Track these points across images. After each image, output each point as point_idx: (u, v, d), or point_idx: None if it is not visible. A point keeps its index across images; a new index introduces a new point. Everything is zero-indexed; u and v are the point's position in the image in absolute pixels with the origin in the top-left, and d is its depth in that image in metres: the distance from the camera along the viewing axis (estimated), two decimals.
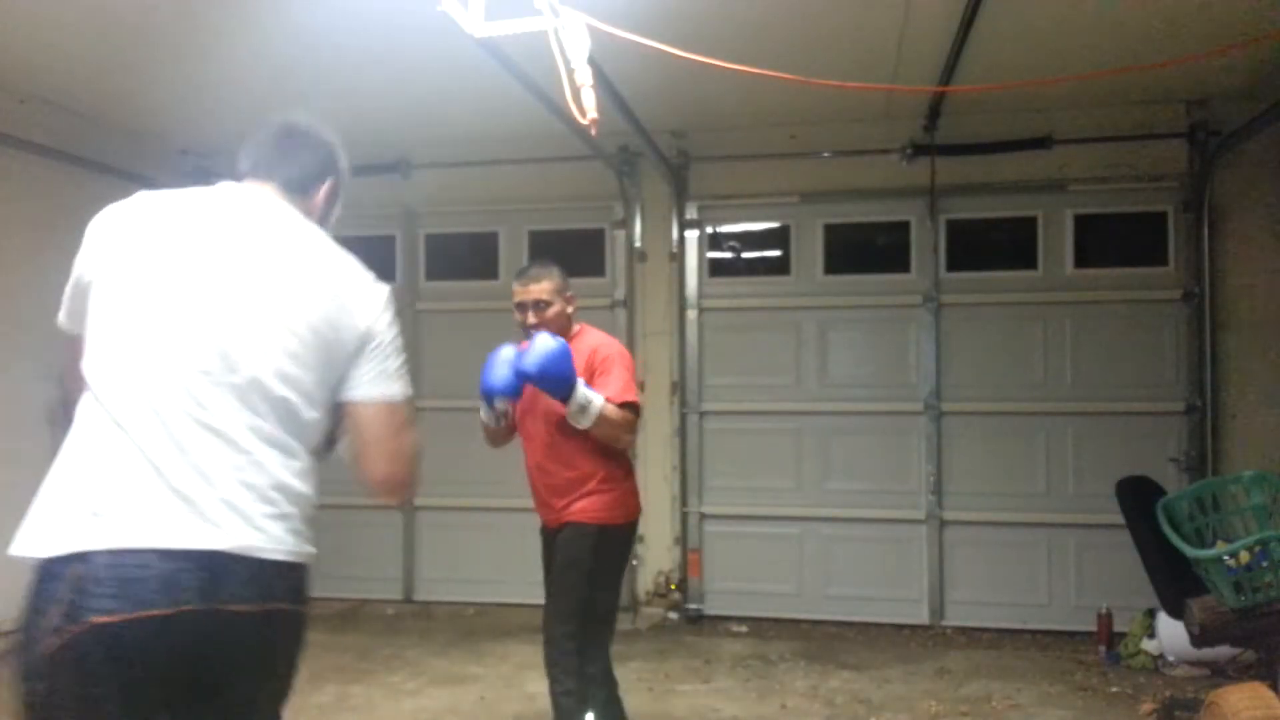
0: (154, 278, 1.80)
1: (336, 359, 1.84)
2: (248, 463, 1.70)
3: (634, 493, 3.54)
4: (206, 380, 1.71)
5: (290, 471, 1.76)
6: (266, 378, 1.74)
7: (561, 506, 3.45)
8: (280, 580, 1.72)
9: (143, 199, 1.97)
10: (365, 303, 1.91)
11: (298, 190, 2.00)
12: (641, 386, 6.43)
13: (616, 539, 3.45)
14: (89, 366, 1.74)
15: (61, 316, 1.92)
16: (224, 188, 1.92)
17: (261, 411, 1.73)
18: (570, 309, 3.54)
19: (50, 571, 1.69)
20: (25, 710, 1.64)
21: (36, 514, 1.74)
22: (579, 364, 3.33)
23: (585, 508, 3.40)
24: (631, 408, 3.38)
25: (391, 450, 1.89)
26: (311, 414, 1.81)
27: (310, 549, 1.79)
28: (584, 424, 3.25)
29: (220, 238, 1.83)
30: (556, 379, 3.23)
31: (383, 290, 1.96)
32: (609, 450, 3.42)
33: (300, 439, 1.79)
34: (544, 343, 3.25)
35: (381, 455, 1.88)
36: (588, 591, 3.39)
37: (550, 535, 3.56)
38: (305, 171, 2.03)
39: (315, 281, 1.86)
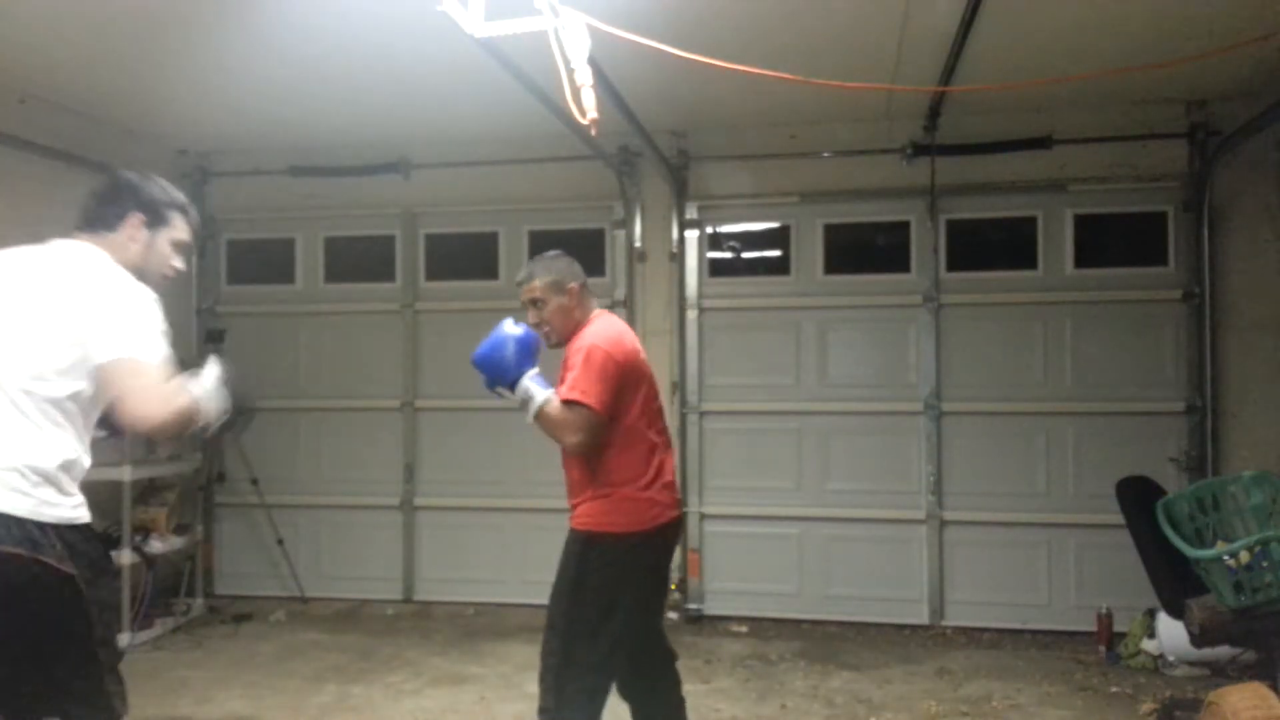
0: None
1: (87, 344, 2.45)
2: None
3: (644, 501, 3.22)
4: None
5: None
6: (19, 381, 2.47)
7: (571, 510, 3.35)
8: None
9: None
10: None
11: (103, 229, 2.60)
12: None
13: (612, 550, 3.20)
14: None
15: None
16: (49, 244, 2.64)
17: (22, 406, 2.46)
18: (569, 301, 3.30)
19: None
20: None
21: None
22: (566, 358, 3.20)
23: (578, 514, 3.29)
24: (575, 407, 3.07)
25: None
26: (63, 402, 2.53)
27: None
28: (527, 420, 3.15)
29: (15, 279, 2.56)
30: (492, 368, 3.18)
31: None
32: (607, 451, 3.19)
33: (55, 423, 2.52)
34: (495, 331, 3.22)
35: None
36: (569, 605, 3.26)
37: None
38: (104, 215, 2.61)
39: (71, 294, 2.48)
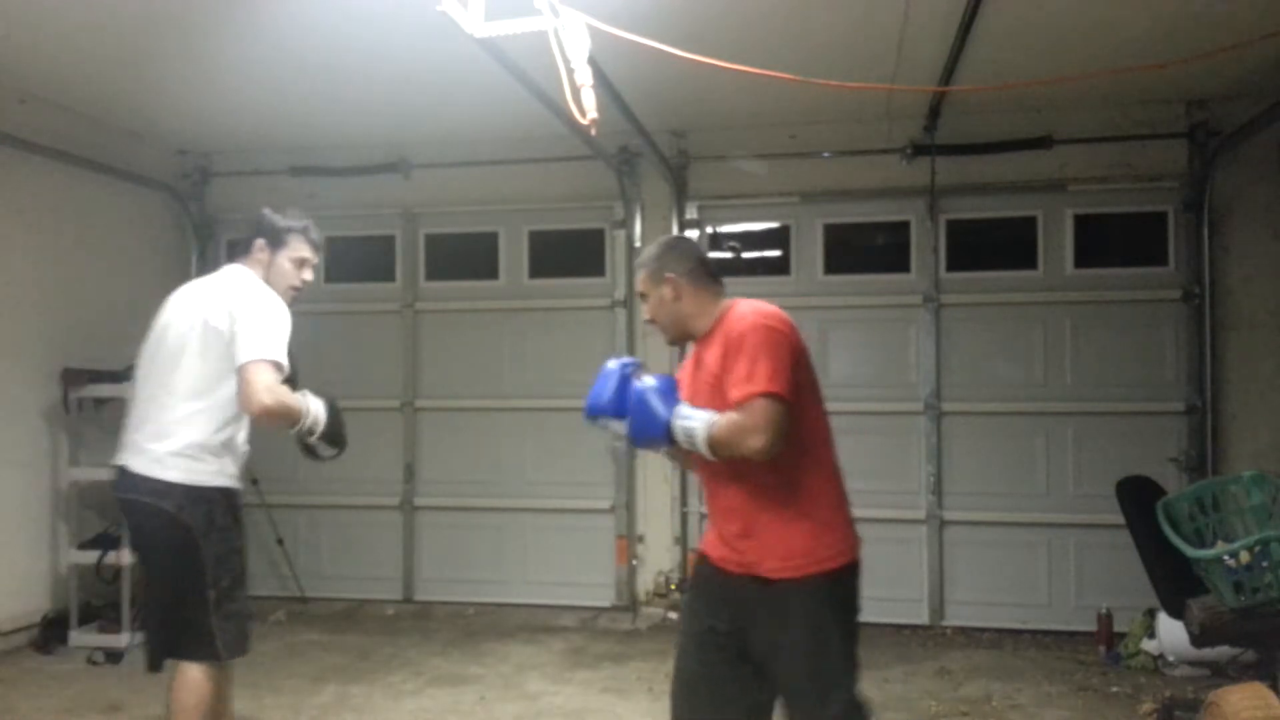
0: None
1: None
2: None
3: (846, 525, 2.78)
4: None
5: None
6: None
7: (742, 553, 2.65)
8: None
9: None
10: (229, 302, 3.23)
11: (243, 255, 3.49)
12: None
13: (845, 587, 2.80)
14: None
15: None
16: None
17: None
18: (669, 293, 2.73)
19: None
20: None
21: None
22: (714, 360, 2.61)
23: (781, 556, 2.62)
24: (751, 404, 2.44)
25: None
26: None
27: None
28: (709, 457, 2.52)
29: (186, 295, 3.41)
30: (643, 433, 2.60)
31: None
32: (781, 469, 2.55)
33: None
34: (632, 401, 2.62)
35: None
36: (844, 662, 2.83)
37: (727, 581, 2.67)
38: (245, 243, 3.51)
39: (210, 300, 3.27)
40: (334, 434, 3.27)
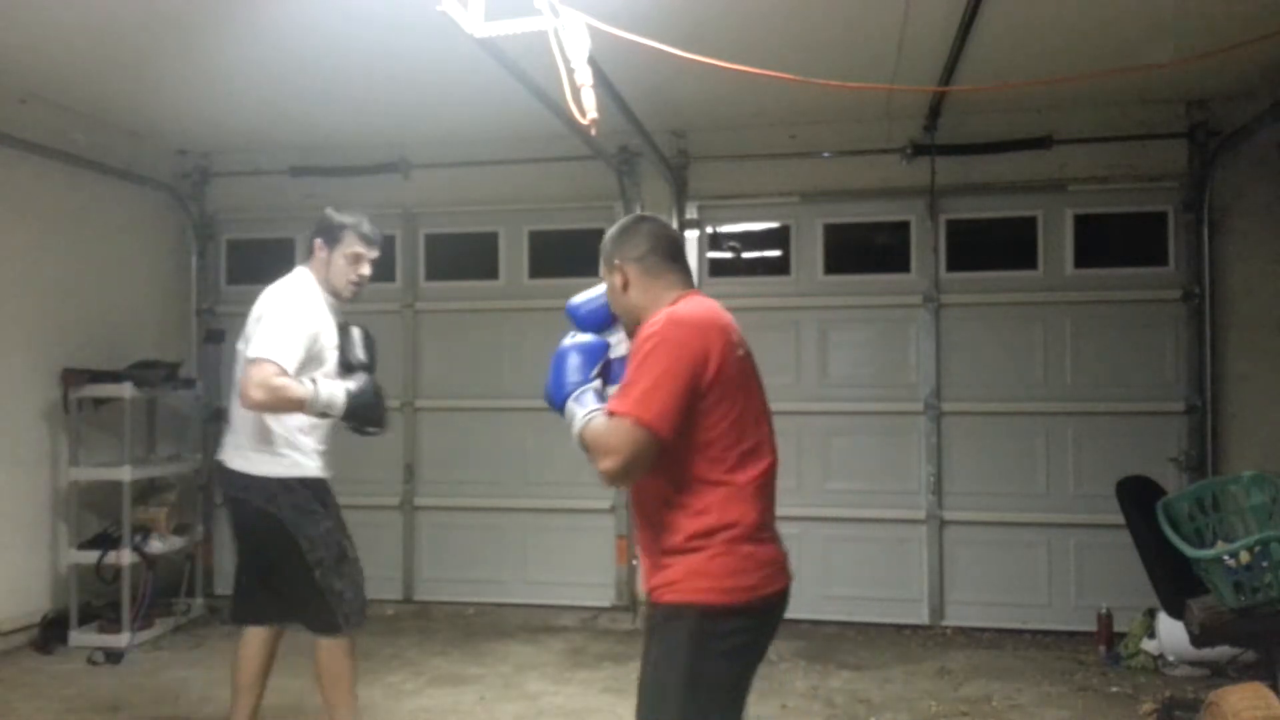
0: None
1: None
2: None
3: (731, 558, 2.25)
4: None
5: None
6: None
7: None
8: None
9: None
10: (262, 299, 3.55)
11: (306, 255, 3.71)
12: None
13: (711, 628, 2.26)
14: None
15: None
16: None
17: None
18: (618, 281, 2.48)
19: None
20: None
21: None
22: None
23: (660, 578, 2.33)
24: (623, 423, 2.21)
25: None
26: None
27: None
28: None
29: None
30: (550, 405, 2.48)
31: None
32: (679, 489, 2.28)
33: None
34: (555, 355, 2.50)
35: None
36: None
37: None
38: (308, 244, 3.71)
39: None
40: (360, 415, 3.50)
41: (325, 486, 3.64)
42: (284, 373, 3.31)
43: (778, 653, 5.53)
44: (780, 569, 2.37)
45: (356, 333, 3.70)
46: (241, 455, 3.53)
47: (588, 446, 2.31)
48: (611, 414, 2.25)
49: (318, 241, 3.64)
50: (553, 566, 6.49)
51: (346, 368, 3.58)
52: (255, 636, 3.71)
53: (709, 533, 2.25)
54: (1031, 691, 4.86)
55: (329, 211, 3.70)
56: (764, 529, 2.32)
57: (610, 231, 2.60)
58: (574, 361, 2.44)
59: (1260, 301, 5.74)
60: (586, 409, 2.35)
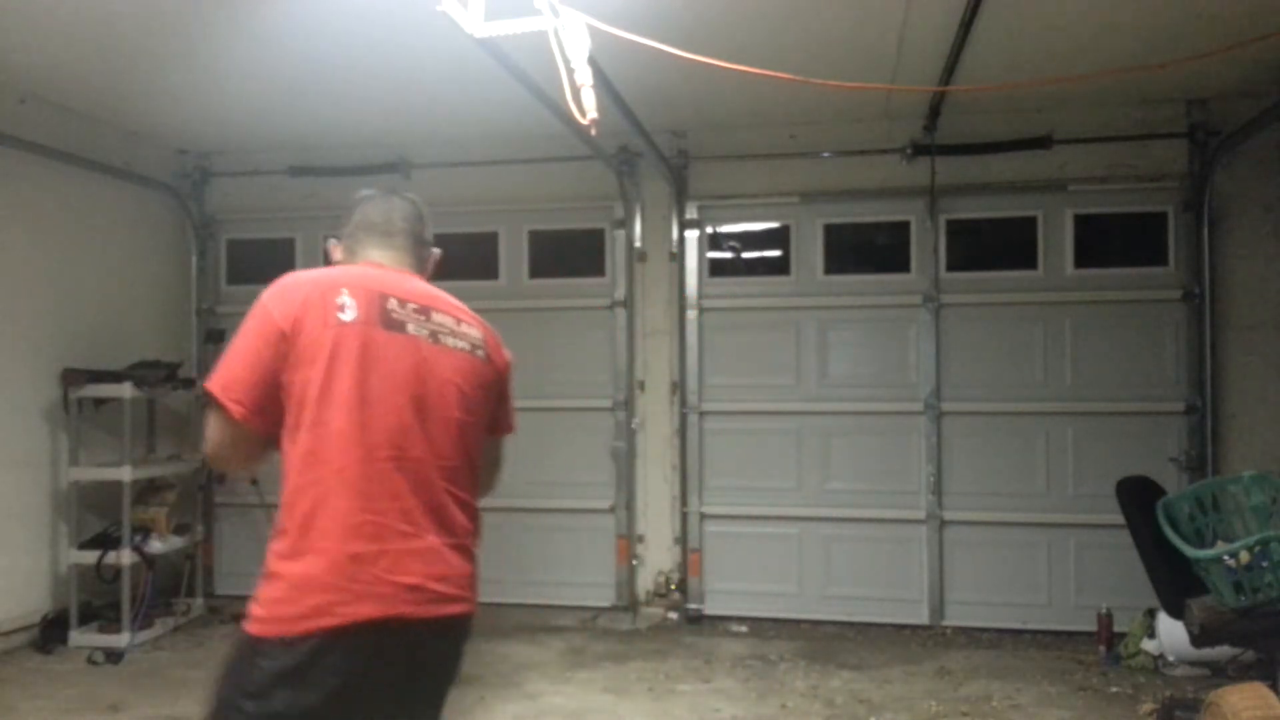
0: None
1: None
2: None
3: (290, 585, 1.87)
4: None
5: None
6: None
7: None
8: None
9: None
10: None
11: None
12: (642, 386, 6.47)
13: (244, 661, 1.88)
14: None
15: None
16: None
17: None
18: (327, 260, 2.36)
19: None
20: None
21: None
22: None
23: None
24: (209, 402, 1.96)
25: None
26: None
27: None
28: None
29: None
30: None
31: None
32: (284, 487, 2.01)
33: None
34: None
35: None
36: None
37: None
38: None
39: None
40: None
41: None
42: None
43: (778, 652, 5.54)
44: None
45: None
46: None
47: None
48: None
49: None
50: (553, 566, 6.49)
51: None
52: None
53: (295, 546, 1.96)
54: (1031, 691, 4.86)
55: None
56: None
57: None
58: None
59: (1260, 301, 5.74)
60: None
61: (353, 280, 2.05)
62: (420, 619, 1.93)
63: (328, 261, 2.35)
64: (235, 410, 1.92)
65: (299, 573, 1.87)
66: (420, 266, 2.27)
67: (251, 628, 1.87)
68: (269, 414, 1.94)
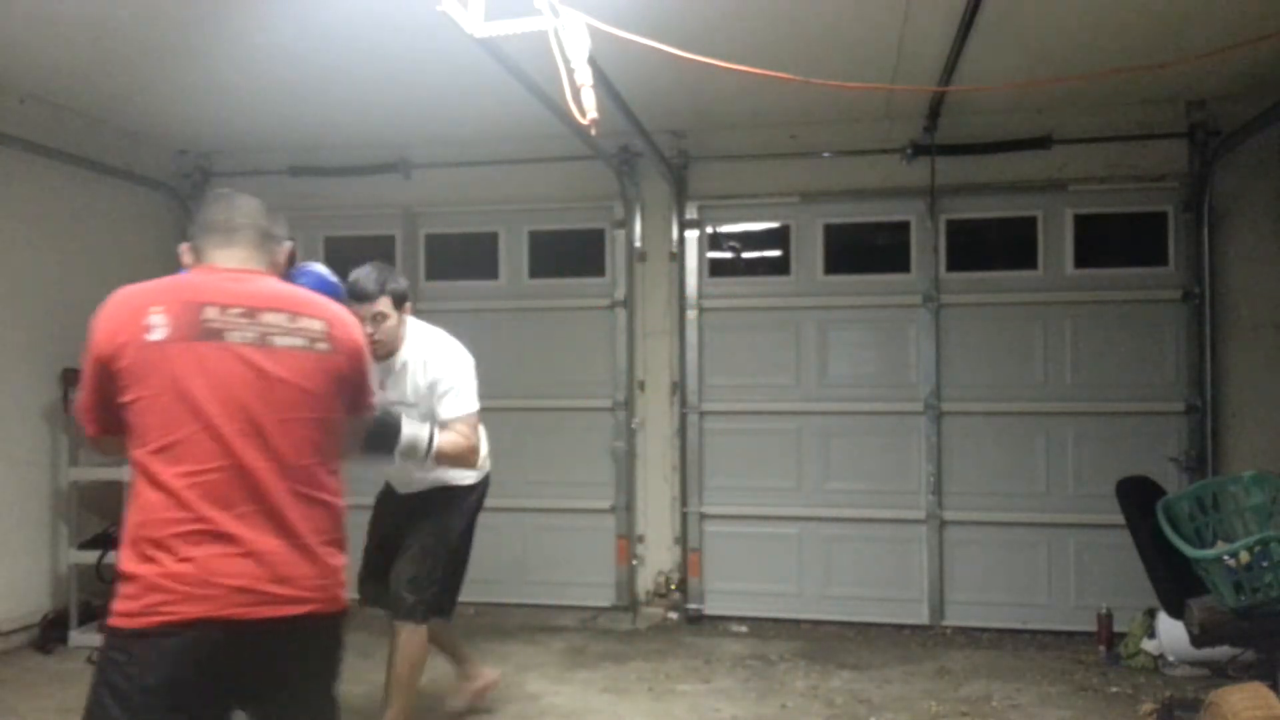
0: None
1: None
2: None
3: (134, 585, 2.01)
4: None
5: None
6: None
7: None
8: None
9: None
10: None
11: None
12: (642, 386, 6.47)
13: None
14: None
15: None
16: None
17: None
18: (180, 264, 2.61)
19: None
20: None
21: None
22: None
23: None
24: None
25: None
26: None
27: None
28: None
29: None
30: None
31: None
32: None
33: None
34: None
35: None
36: None
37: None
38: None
39: None
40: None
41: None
42: None
43: (778, 652, 5.54)
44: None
45: None
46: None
47: None
48: None
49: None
50: (553, 566, 6.49)
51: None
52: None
53: (133, 536, 2.08)
54: (1031, 691, 4.86)
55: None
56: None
57: None
58: None
59: (1260, 301, 5.74)
60: None
61: (168, 294, 2.12)
62: (252, 620, 2.01)
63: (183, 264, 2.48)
64: (91, 429, 2.16)
65: (140, 574, 1.99)
66: (268, 261, 2.33)
67: (110, 621, 2.03)
68: (123, 423, 2.08)
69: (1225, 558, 3.77)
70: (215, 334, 2.09)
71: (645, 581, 6.40)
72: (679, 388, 6.36)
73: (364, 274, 3.78)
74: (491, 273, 6.68)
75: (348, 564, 2.27)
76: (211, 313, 2.10)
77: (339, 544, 2.22)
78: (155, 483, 2.02)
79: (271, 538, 2.05)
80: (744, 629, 6.08)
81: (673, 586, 6.33)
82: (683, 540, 6.35)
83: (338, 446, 2.24)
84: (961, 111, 5.89)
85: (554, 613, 6.33)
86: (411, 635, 3.86)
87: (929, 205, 6.04)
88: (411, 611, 3.86)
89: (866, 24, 4.59)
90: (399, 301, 3.82)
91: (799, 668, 5.27)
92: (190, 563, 1.98)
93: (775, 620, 6.15)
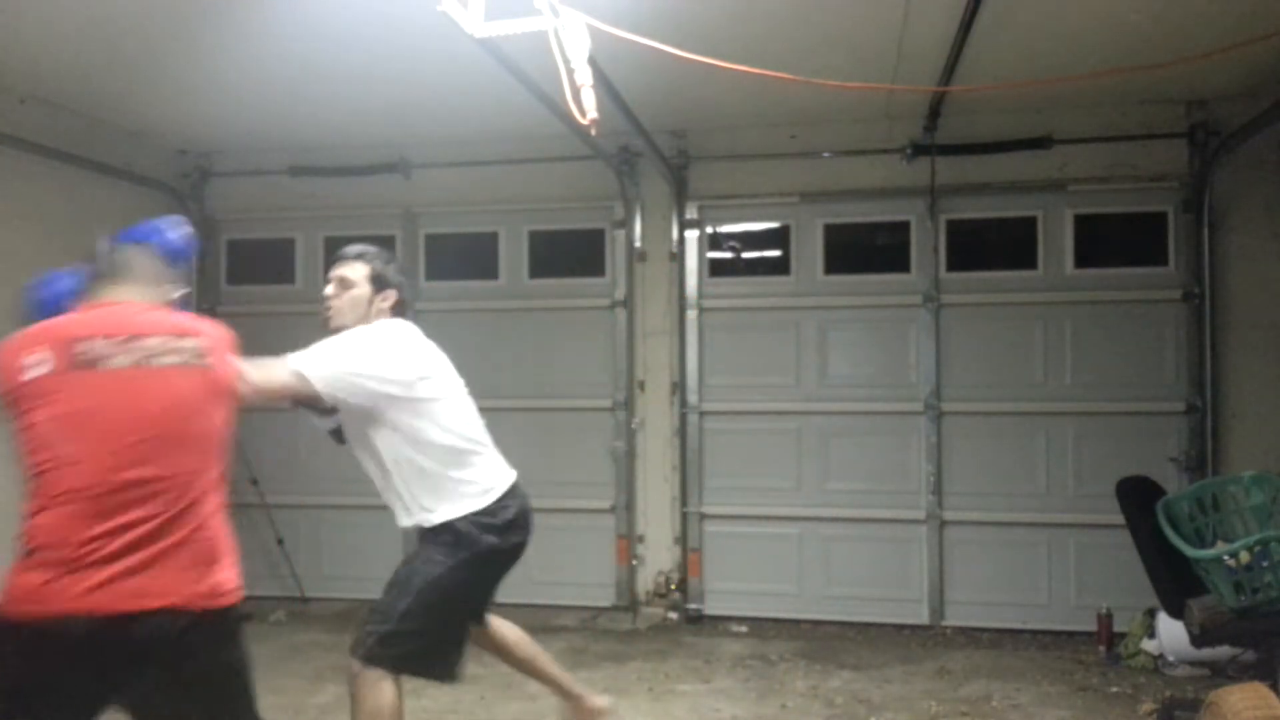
0: None
1: None
2: None
3: (16, 585, 2.17)
4: None
5: None
6: None
7: None
8: None
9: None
10: None
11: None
12: (642, 386, 6.47)
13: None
14: None
15: None
16: None
17: None
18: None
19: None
20: None
21: None
22: None
23: None
24: None
25: None
26: None
27: None
28: None
29: None
30: None
31: None
32: None
33: None
34: None
35: None
36: None
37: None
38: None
39: None
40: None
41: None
42: None
43: (778, 652, 5.54)
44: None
45: None
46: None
47: None
48: None
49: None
50: (553, 566, 6.48)
51: None
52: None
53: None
54: (1031, 691, 4.86)
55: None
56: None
57: None
58: None
59: (1260, 301, 5.74)
60: None
61: (46, 334, 2.28)
62: (117, 618, 2.13)
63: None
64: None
65: (22, 575, 2.15)
66: (158, 296, 2.47)
67: None
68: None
69: (1225, 558, 3.77)
70: (93, 363, 2.23)
71: (645, 581, 6.40)
72: (679, 388, 6.36)
73: (356, 244, 3.54)
74: (491, 273, 6.68)
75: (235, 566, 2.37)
76: (86, 346, 2.24)
77: (220, 551, 2.32)
78: (37, 501, 2.17)
79: (153, 547, 2.19)
80: (744, 629, 6.08)
81: (673, 586, 6.33)
82: (683, 540, 6.35)
83: (219, 455, 2.38)
84: (961, 111, 5.89)
85: (554, 613, 6.32)
86: (364, 683, 3.15)
87: (929, 205, 6.04)
88: (359, 643, 3.21)
89: (866, 24, 4.59)
90: (377, 281, 3.39)
91: (799, 668, 5.27)
92: (61, 566, 2.12)
93: (775, 620, 6.15)
